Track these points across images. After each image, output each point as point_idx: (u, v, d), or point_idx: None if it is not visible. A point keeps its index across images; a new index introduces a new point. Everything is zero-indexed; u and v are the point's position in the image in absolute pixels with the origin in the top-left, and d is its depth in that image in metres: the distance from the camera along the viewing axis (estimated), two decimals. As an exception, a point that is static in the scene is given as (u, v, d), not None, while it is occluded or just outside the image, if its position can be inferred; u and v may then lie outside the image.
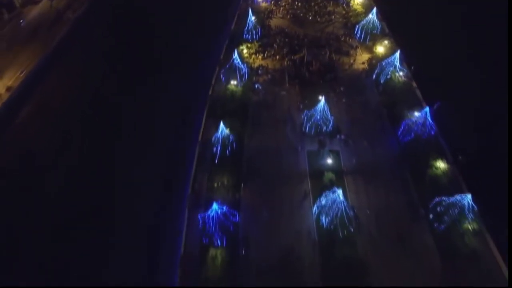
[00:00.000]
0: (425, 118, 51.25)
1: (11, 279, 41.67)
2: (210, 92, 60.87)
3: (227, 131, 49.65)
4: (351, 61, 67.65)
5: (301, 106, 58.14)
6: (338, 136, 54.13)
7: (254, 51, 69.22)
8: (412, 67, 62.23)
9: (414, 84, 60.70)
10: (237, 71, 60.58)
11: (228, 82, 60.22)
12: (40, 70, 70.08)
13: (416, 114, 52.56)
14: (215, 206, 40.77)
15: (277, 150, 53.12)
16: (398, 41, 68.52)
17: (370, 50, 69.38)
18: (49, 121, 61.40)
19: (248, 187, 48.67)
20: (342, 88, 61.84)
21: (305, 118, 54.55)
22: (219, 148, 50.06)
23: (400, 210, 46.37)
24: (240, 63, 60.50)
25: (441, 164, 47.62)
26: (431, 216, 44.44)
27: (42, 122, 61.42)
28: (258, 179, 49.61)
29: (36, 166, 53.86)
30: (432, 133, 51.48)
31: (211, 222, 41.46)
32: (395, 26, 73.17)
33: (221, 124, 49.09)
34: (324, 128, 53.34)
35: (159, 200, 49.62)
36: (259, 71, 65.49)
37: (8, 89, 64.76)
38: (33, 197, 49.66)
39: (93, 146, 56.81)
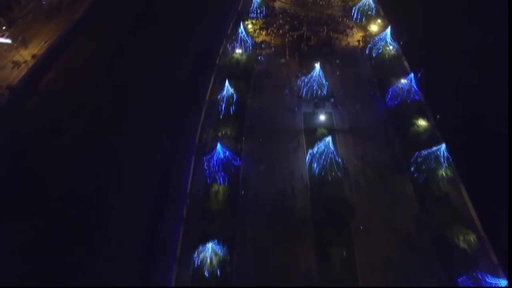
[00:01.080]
0: (410, 84, 56.39)
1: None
2: (217, 61, 66.48)
3: (231, 90, 54.96)
4: (347, 38, 72.85)
5: (299, 74, 63.31)
6: (332, 100, 59.34)
7: (258, 27, 74.75)
8: (401, 42, 67.43)
9: (403, 58, 65.90)
10: (242, 43, 65.99)
11: (234, 51, 65.62)
12: (62, 40, 76.04)
13: (403, 81, 57.62)
14: (219, 147, 46.04)
15: (276, 111, 58.43)
16: (390, 19, 74.01)
17: (364, 29, 74.56)
18: (69, 85, 66.91)
19: (249, 139, 54.07)
20: (337, 61, 67.03)
21: (302, 83, 59.78)
22: (223, 106, 55.36)
23: (385, 162, 51.49)
24: (245, 36, 65.90)
25: (422, 123, 52.61)
26: (412, 168, 49.57)
27: (63, 86, 66.99)
28: (258, 133, 54.99)
29: (55, 127, 59.24)
30: (417, 98, 56.47)
31: (215, 162, 46.80)
32: (389, 7, 78.29)
33: (227, 83, 54.38)
34: (319, 92, 58.45)
35: (170, 148, 54.93)
36: (262, 45, 70.92)
37: (34, 56, 70.86)
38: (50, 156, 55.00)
39: (109, 104, 62.16)
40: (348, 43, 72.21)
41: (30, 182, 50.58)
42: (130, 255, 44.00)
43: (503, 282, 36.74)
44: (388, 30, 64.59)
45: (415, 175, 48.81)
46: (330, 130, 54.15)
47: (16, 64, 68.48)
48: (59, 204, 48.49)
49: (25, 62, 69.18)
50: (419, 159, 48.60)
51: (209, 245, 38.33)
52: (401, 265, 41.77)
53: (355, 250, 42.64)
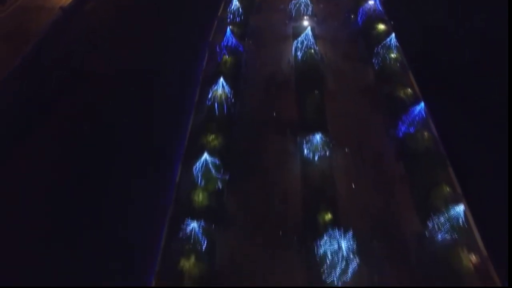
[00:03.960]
0: (375, 4, 71.81)
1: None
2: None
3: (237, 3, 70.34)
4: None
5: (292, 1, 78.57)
6: (315, 19, 74.56)
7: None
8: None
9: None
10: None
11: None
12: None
13: (370, 2, 72.68)
14: (228, 32, 61.25)
15: (271, 24, 73.97)
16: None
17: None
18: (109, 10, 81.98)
19: (250, 38, 69.82)
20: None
21: (293, 6, 75.03)
22: (232, 16, 70.45)
23: (353, 55, 66.86)
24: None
25: (381, 27, 67.64)
26: (374, 59, 64.43)
27: (104, 10, 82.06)
28: (257, 37, 70.49)
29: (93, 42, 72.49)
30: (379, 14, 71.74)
31: (225, 44, 61.89)
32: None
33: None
34: (306, 11, 73.69)
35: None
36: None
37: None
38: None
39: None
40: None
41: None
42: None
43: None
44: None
45: (374, 62, 63.89)
46: (312, 35, 69.26)
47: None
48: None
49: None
50: (378, 51, 63.79)
51: (220, 83, 53.09)
52: (359, 113, 56.70)
53: (326, 105, 57.16)
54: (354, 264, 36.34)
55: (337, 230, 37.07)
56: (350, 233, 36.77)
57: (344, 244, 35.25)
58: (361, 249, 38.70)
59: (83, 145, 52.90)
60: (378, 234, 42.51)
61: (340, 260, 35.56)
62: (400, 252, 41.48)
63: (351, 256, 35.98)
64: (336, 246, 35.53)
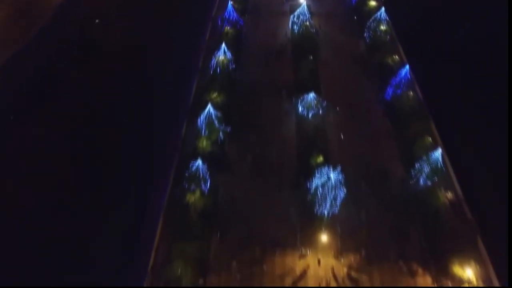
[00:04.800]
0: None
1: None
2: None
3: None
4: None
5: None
6: (310, -3, 78.91)
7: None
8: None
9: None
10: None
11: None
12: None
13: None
14: (230, 6, 65.38)
15: (270, 1, 78.41)
16: None
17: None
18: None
19: (250, 15, 73.82)
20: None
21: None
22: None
23: (347, 29, 71.10)
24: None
25: (372, 3, 71.85)
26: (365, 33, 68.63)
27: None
28: (256, 12, 74.92)
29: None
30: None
31: (227, 17, 65.97)
32: None
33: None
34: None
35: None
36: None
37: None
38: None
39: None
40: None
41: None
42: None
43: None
44: None
45: (366, 36, 68.02)
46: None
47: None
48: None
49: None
50: (369, 25, 67.91)
51: (222, 48, 57.23)
52: (350, 78, 61.01)
53: (320, 71, 61.22)
54: (341, 194, 40.50)
55: (327, 167, 41.12)
56: (339, 168, 40.82)
57: (333, 176, 39.31)
58: (350, 190, 42.98)
59: (99, 106, 56.92)
60: (366, 178, 46.88)
61: (329, 191, 39.67)
62: (385, 193, 45.81)
63: (339, 186, 40.06)
64: (325, 178, 39.57)
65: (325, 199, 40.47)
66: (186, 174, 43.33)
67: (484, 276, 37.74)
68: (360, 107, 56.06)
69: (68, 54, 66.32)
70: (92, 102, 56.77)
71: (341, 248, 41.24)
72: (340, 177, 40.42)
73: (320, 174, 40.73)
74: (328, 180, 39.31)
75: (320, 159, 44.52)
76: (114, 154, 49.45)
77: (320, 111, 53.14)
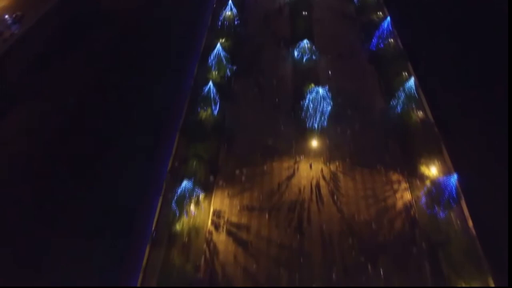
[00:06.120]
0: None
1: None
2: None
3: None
4: None
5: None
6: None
7: None
8: None
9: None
10: None
11: None
12: None
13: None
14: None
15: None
16: None
17: None
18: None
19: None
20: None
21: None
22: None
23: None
24: None
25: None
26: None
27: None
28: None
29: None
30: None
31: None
32: None
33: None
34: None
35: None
36: None
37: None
38: None
39: None
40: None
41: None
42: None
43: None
44: None
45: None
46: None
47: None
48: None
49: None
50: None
51: (229, 4, 65.14)
52: (340, 32, 68.80)
53: (314, 27, 68.62)
54: (328, 108, 48.22)
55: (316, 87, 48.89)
56: (326, 87, 48.50)
57: (321, 90, 47.05)
58: (337, 113, 51.06)
59: (124, 49, 65.72)
60: (352, 106, 54.62)
61: (319, 104, 47.37)
62: (368, 118, 53.54)
63: (327, 101, 47.75)
64: (315, 94, 47.29)
65: (315, 112, 48.24)
66: (199, 98, 51.22)
67: (445, 171, 45.40)
68: (348, 54, 63.68)
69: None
70: (121, 45, 65.98)
71: (329, 156, 49.04)
72: (327, 94, 48.18)
73: (311, 92, 48.54)
74: (316, 93, 47.03)
75: (312, 85, 52.18)
76: (140, 86, 58.31)
77: (313, 57, 60.89)
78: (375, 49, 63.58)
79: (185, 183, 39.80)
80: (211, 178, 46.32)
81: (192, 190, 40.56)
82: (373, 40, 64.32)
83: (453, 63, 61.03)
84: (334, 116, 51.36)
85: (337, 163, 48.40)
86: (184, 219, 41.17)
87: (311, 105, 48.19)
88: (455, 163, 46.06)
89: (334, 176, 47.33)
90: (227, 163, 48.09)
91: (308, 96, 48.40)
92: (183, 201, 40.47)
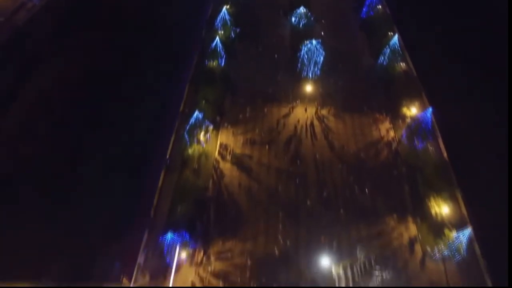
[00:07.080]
0: None
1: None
2: None
3: None
4: None
5: None
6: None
7: None
8: None
9: None
10: None
11: None
12: None
13: None
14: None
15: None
16: None
17: None
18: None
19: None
20: None
21: None
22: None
23: None
24: None
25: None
26: None
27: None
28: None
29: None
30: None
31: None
32: None
33: None
34: None
35: None
36: None
37: None
38: None
39: None
40: None
41: None
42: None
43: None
44: None
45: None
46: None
47: None
48: None
49: None
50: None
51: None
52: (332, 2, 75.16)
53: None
54: (321, 58, 54.25)
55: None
56: (319, 40, 54.53)
57: (314, 42, 53.08)
58: (329, 70, 57.34)
59: (133, 12, 71.78)
60: (343, 61, 60.85)
61: (313, 54, 53.44)
62: (358, 71, 59.82)
63: (320, 51, 53.79)
64: (309, 46, 53.36)
65: (310, 62, 54.33)
66: (208, 51, 57.29)
67: (422, 108, 51.17)
68: (341, 22, 70.05)
69: None
70: (131, 10, 72.15)
71: (322, 102, 55.17)
72: (320, 46, 54.21)
73: (306, 45, 54.57)
74: (311, 44, 53.09)
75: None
76: (152, 46, 64.19)
77: (309, 22, 66.95)
78: (365, 16, 69.87)
79: (196, 114, 45.69)
80: (218, 118, 52.25)
81: (202, 121, 46.45)
82: (364, 9, 70.66)
83: (432, 19, 68.94)
84: (327, 70, 57.55)
85: (329, 108, 54.44)
86: (195, 146, 47.01)
87: (306, 56, 54.22)
88: (433, 104, 52.00)
89: (326, 118, 53.34)
90: (231, 108, 54.07)
91: (303, 47, 54.43)
92: (193, 130, 46.36)
